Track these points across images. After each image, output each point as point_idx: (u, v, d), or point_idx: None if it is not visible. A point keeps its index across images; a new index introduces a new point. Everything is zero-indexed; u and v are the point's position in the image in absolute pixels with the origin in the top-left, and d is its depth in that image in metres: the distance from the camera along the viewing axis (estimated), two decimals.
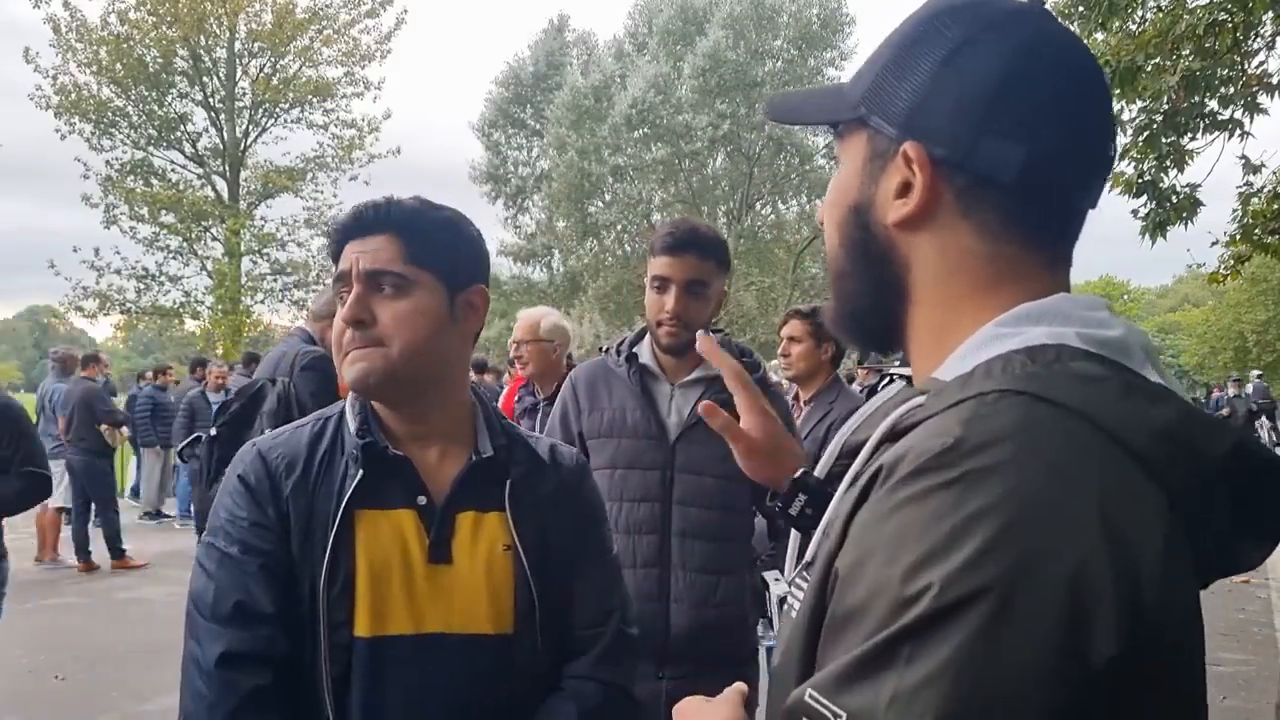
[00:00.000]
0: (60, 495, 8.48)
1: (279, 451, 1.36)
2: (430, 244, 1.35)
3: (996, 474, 0.60)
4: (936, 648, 0.57)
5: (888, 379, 0.93)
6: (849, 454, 0.77)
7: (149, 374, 11.70)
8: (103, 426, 8.16)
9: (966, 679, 0.57)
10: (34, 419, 8.91)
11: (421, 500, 1.34)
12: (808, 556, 0.78)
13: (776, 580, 0.91)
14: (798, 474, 0.84)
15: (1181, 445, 0.64)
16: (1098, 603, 0.57)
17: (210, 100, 19.31)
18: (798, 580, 0.79)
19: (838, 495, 0.75)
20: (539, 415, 3.88)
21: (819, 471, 0.83)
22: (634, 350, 2.39)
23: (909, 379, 0.87)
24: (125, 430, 8.37)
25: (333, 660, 1.27)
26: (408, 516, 1.33)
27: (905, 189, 0.76)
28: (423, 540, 1.33)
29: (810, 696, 0.63)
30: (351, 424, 1.37)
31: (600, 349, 2.57)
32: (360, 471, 1.32)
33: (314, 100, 19.52)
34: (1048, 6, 5.66)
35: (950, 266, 0.77)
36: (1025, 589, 0.57)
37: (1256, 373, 20.22)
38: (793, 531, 0.85)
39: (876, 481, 0.68)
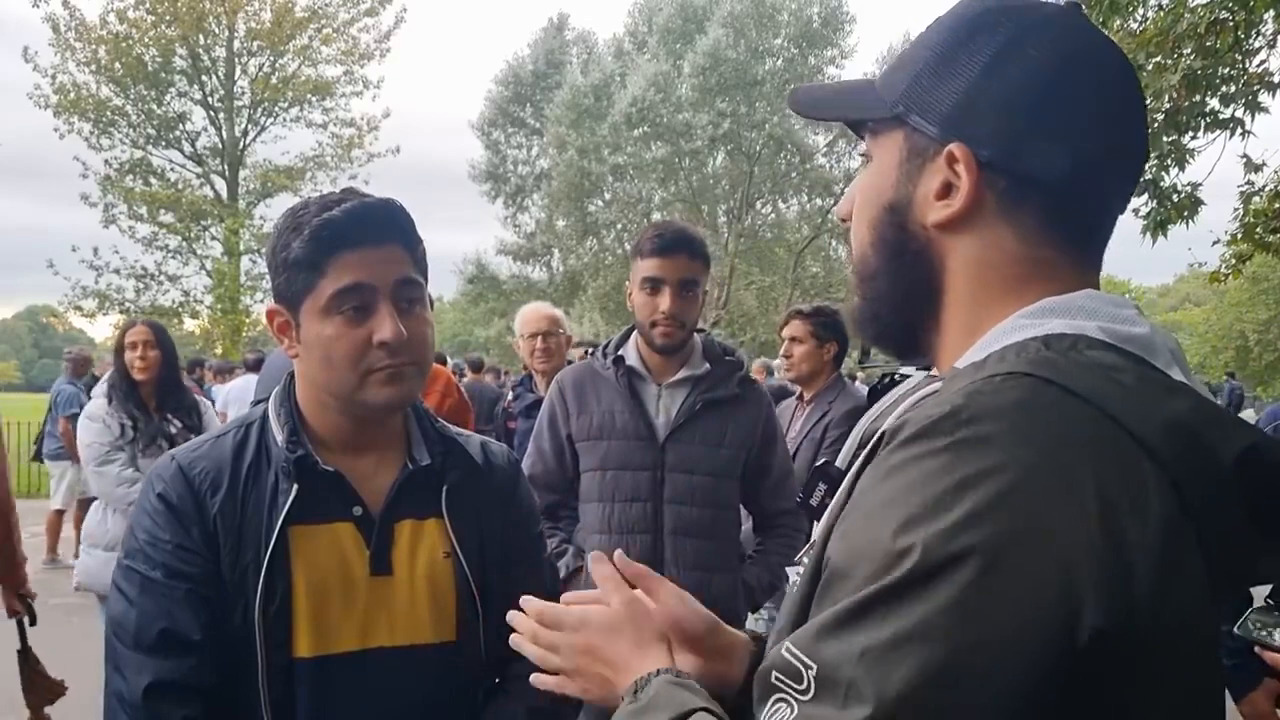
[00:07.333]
0: (59, 497, 8.48)
1: (201, 466, 1.26)
2: (421, 248, 1.31)
3: (990, 443, 0.60)
4: (917, 606, 0.57)
5: (888, 378, 0.93)
6: (867, 443, 0.77)
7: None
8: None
9: (949, 638, 0.56)
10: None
11: (358, 510, 1.28)
12: (814, 536, 0.77)
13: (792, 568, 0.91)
14: (820, 462, 0.85)
15: (1191, 438, 0.63)
16: (1087, 575, 0.56)
17: (209, 99, 19.28)
18: (803, 558, 0.79)
19: (848, 476, 0.75)
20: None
21: (840, 461, 0.83)
22: (620, 352, 2.42)
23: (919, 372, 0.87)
24: None
25: (272, 684, 1.21)
26: (345, 529, 1.27)
27: (947, 190, 0.75)
28: (362, 552, 1.27)
29: (786, 650, 0.63)
30: (279, 434, 1.28)
31: (586, 351, 2.59)
32: (295, 487, 1.24)
33: (313, 99, 19.47)
34: None
35: (987, 268, 0.76)
36: (1014, 554, 0.57)
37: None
38: (814, 525, 0.85)
39: (880, 449, 0.68)
